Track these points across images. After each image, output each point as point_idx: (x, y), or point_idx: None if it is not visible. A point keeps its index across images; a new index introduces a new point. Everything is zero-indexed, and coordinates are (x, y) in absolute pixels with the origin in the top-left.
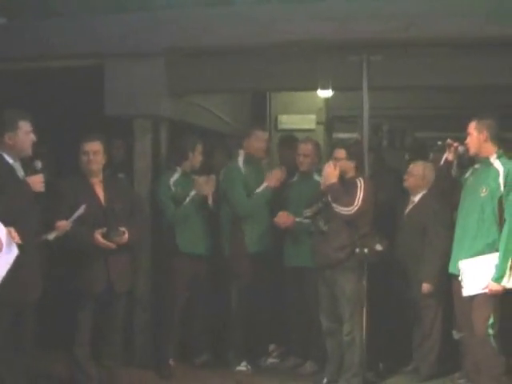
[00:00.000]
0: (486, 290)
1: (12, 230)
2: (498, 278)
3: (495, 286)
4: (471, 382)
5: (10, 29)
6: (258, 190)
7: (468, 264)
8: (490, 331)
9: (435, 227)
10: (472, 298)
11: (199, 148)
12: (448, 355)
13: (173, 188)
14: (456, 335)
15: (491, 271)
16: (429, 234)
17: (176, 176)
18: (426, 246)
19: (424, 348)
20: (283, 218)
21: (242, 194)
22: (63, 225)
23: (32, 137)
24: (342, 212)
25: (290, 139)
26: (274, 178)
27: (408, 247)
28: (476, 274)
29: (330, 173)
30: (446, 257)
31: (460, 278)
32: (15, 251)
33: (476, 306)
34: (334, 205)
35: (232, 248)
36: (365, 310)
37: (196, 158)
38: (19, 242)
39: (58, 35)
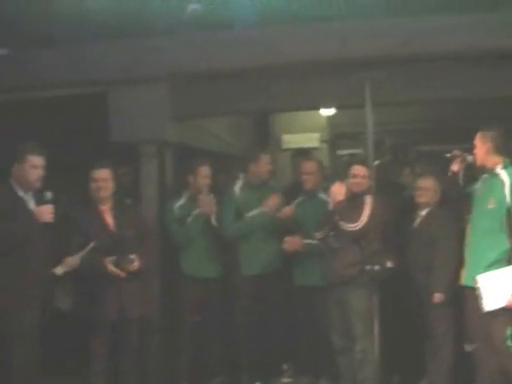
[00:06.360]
0: (505, 304)
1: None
2: None
3: None
4: None
5: (12, 59)
6: (249, 215)
7: (486, 278)
8: (510, 343)
9: (445, 239)
10: (486, 312)
11: (203, 171)
12: (461, 368)
13: (177, 212)
14: (468, 347)
15: (510, 285)
16: (438, 246)
17: (182, 201)
18: (436, 257)
19: (437, 361)
20: (290, 243)
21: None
22: (71, 261)
23: (39, 171)
24: (348, 229)
25: (303, 153)
26: (269, 205)
27: (417, 261)
28: (495, 289)
29: (338, 191)
30: (455, 268)
31: (477, 293)
32: None
33: (493, 319)
34: (340, 222)
35: (230, 270)
36: (376, 326)
37: (199, 181)
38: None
39: (60, 63)
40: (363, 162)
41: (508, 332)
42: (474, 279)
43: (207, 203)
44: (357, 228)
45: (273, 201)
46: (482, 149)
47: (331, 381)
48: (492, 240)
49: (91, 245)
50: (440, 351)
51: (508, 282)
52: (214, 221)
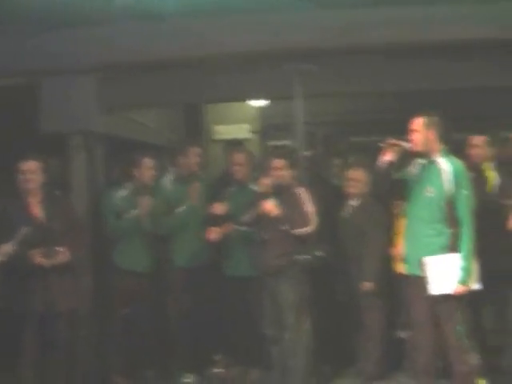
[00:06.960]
0: (452, 291)
1: None
2: (465, 281)
3: (461, 288)
4: (415, 381)
5: None
6: (178, 210)
7: (433, 262)
8: (459, 327)
9: (374, 229)
10: (431, 297)
11: (147, 163)
12: (391, 355)
13: (119, 203)
14: (402, 334)
15: (456, 272)
16: (368, 236)
17: (124, 192)
18: (365, 247)
19: (367, 349)
20: (211, 233)
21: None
22: (6, 249)
23: None
24: (301, 233)
25: (236, 144)
26: (193, 195)
27: (348, 251)
28: (442, 274)
29: (271, 209)
30: (385, 257)
31: (424, 275)
32: None
33: (442, 304)
34: (286, 227)
35: (163, 263)
36: (308, 315)
37: (144, 174)
38: None
39: None
40: (283, 154)
41: (457, 318)
42: (420, 262)
43: (146, 205)
44: (309, 231)
45: (195, 191)
46: (425, 135)
47: (263, 371)
48: (433, 228)
49: (24, 230)
50: (371, 339)
51: (454, 268)
52: (146, 222)
